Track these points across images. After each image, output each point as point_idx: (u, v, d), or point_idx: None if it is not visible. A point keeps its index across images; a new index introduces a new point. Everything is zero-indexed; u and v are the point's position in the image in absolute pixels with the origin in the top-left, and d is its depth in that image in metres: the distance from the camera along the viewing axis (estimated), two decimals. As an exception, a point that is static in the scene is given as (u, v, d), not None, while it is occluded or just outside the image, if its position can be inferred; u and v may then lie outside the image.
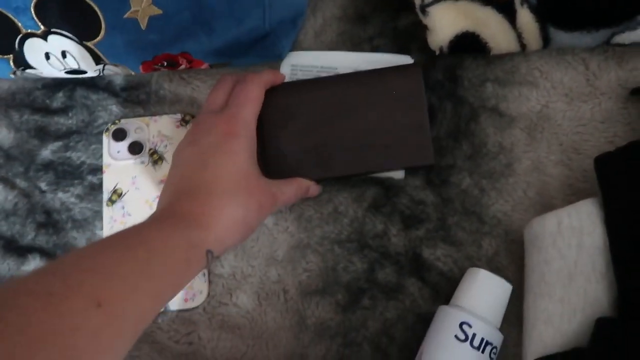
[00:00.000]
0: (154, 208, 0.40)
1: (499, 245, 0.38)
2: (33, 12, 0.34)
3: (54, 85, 0.43)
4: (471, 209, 0.39)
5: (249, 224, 0.33)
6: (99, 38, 0.36)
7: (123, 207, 0.40)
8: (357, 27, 0.42)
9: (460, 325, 0.33)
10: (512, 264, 0.38)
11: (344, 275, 0.39)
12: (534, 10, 0.36)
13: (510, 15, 0.37)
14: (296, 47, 0.42)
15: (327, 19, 0.43)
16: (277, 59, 0.41)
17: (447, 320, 0.34)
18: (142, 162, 0.41)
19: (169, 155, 0.41)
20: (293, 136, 0.38)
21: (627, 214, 0.32)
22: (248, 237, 0.35)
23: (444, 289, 0.38)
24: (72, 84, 0.43)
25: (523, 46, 0.38)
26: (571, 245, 0.33)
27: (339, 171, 0.38)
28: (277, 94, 0.39)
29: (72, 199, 0.41)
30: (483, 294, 0.35)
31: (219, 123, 0.34)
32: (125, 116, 0.42)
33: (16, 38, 0.35)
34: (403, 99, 0.38)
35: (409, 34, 0.42)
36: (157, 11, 0.35)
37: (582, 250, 0.33)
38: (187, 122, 0.41)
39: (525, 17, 0.36)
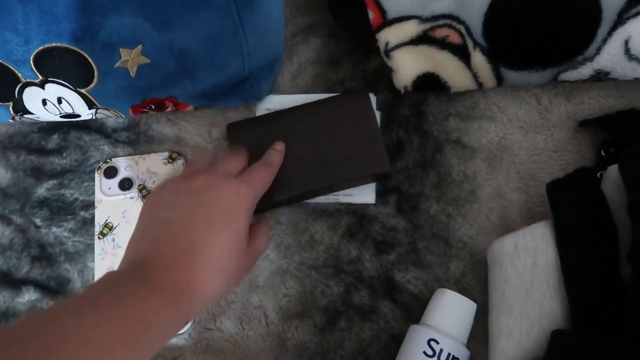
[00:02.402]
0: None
1: (466, 267, 0.41)
2: (32, 64, 0.37)
3: (49, 128, 0.46)
4: (439, 233, 0.42)
5: (224, 294, 0.34)
6: (92, 85, 0.39)
7: (113, 240, 0.43)
8: (330, 70, 0.46)
9: (429, 342, 0.36)
10: (478, 284, 0.41)
11: (321, 299, 0.41)
12: (486, 52, 0.40)
13: (465, 57, 0.41)
14: (274, 89, 0.46)
15: (302, 63, 0.47)
16: (256, 100, 0.45)
17: (416, 338, 0.37)
18: (132, 197, 0.44)
19: (157, 191, 0.43)
20: None
21: (574, 234, 0.35)
22: None
23: (415, 309, 0.40)
24: (67, 126, 0.46)
25: (479, 84, 0.42)
26: (527, 264, 0.36)
27: (306, 186, 0.41)
28: (246, 126, 0.43)
29: (65, 233, 0.44)
30: (449, 313, 0.37)
31: (231, 185, 0.34)
32: (116, 155, 0.45)
33: (16, 87, 0.39)
34: (356, 119, 0.42)
35: (377, 75, 0.46)
36: (145, 60, 0.38)
37: (537, 268, 0.36)
38: (173, 160, 0.44)
39: (478, 59, 0.40)
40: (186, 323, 0.31)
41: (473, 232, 0.42)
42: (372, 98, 0.45)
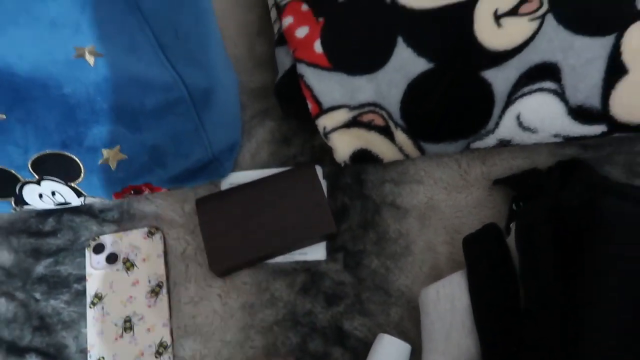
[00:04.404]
0: (128, 307, 0.49)
1: (404, 313, 0.48)
2: (30, 167, 0.45)
3: (45, 213, 0.54)
4: (380, 285, 0.49)
5: None
6: (79, 180, 0.47)
7: (103, 308, 0.50)
8: (283, 148, 0.54)
9: (369, 380, 0.42)
10: (415, 327, 0.47)
11: (282, 349, 0.48)
12: (405, 131, 0.48)
13: (389, 135, 0.49)
14: (237, 166, 0.54)
15: (259, 142, 0.55)
16: (221, 178, 0.53)
17: (359, 378, 0.43)
18: (117, 270, 0.51)
19: (139, 262, 0.51)
20: (226, 231, 0.49)
21: (483, 281, 0.43)
22: None
23: (362, 353, 0.47)
24: (60, 210, 0.54)
25: (406, 155, 0.50)
26: (446, 308, 0.43)
27: (266, 249, 0.48)
28: (212, 200, 0.51)
29: (62, 305, 0.51)
30: (386, 354, 0.44)
31: None
32: (103, 233, 0.53)
33: (16, 186, 0.47)
34: (306, 188, 0.50)
35: (323, 150, 0.54)
36: (123, 156, 0.46)
37: (455, 312, 0.43)
38: (152, 234, 0.52)
39: (400, 136, 0.49)
40: None
41: (409, 282, 0.49)
42: (319, 170, 0.53)
